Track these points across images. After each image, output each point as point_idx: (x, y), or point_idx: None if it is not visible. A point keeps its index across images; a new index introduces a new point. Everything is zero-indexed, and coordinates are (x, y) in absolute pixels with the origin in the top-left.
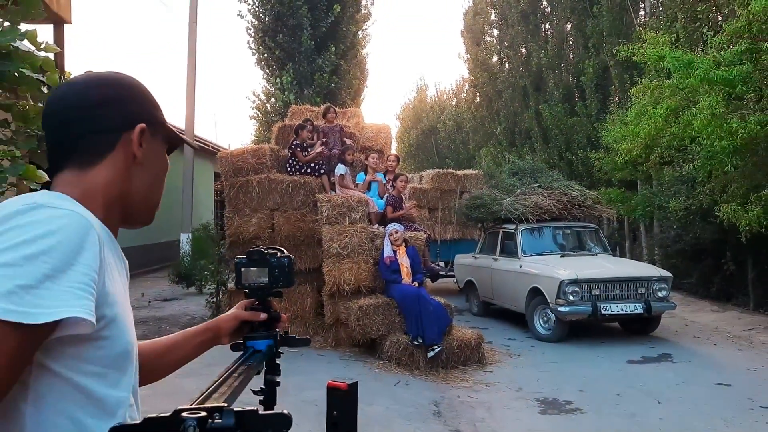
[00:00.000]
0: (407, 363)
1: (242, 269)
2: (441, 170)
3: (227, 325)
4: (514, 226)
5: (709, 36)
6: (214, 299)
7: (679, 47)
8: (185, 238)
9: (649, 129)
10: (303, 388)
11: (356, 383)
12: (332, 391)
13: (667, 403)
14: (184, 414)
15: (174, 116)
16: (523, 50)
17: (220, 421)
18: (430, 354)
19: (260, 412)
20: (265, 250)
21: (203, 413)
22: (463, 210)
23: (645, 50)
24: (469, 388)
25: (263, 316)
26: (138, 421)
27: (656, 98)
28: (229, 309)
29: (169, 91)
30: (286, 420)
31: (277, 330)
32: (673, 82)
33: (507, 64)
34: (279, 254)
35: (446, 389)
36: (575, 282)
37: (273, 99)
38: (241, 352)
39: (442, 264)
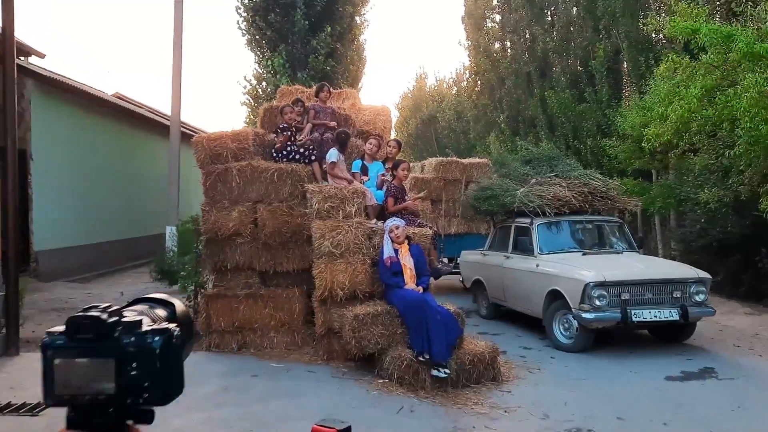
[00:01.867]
0: (411, 382)
1: (56, 360)
2: (445, 159)
3: None
4: (528, 220)
5: (749, 8)
6: (191, 302)
7: (713, 21)
8: (170, 232)
9: (682, 111)
10: (287, 418)
11: (349, 428)
12: None
13: None
14: None
15: (162, 101)
16: (527, 35)
17: None
18: (434, 373)
19: None
20: (109, 312)
21: None
22: (471, 202)
23: (676, 23)
24: (485, 414)
25: None
26: None
27: (687, 77)
28: (205, 316)
29: (156, 75)
30: None
31: None
32: (708, 58)
33: (510, 50)
34: (145, 323)
35: (458, 416)
36: (602, 285)
37: (264, 83)
38: None
39: (445, 260)
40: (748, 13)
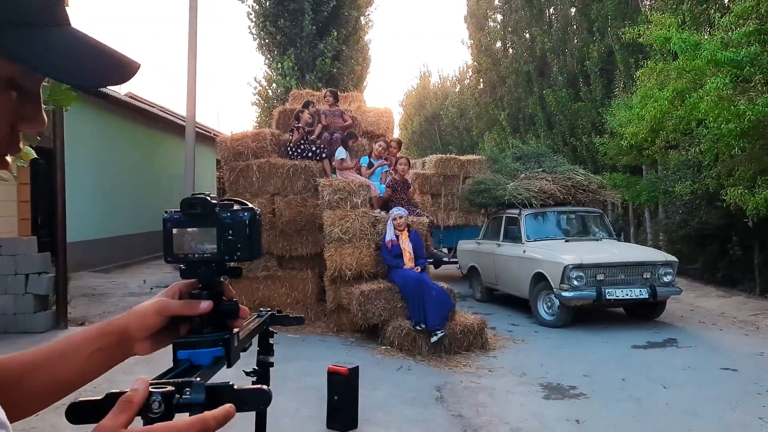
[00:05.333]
0: (410, 348)
1: (174, 230)
2: (444, 156)
3: (143, 323)
4: (517, 211)
5: (717, 17)
6: None
7: (686, 29)
8: None
9: (655, 112)
10: (304, 374)
11: (357, 368)
12: (333, 376)
13: (672, 388)
14: (150, 388)
15: (172, 100)
16: (527, 35)
17: (189, 396)
18: (433, 339)
19: (235, 387)
20: (210, 197)
21: (171, 387)
22: (467, 195)
23: (651, 32)
24: (472, 373)
25: (205, 305)
26: (99, 397)
27: (662, 81)
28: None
29: (170, 78)
30: (265, 396)
31: (233, 331)
32: (679, 64)
33: (511, 50)
34: (236, 206)
35: (449, 374)
36: (580, 267)
37: (274, 84)
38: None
39: (445, 250)
40: (716, 22)
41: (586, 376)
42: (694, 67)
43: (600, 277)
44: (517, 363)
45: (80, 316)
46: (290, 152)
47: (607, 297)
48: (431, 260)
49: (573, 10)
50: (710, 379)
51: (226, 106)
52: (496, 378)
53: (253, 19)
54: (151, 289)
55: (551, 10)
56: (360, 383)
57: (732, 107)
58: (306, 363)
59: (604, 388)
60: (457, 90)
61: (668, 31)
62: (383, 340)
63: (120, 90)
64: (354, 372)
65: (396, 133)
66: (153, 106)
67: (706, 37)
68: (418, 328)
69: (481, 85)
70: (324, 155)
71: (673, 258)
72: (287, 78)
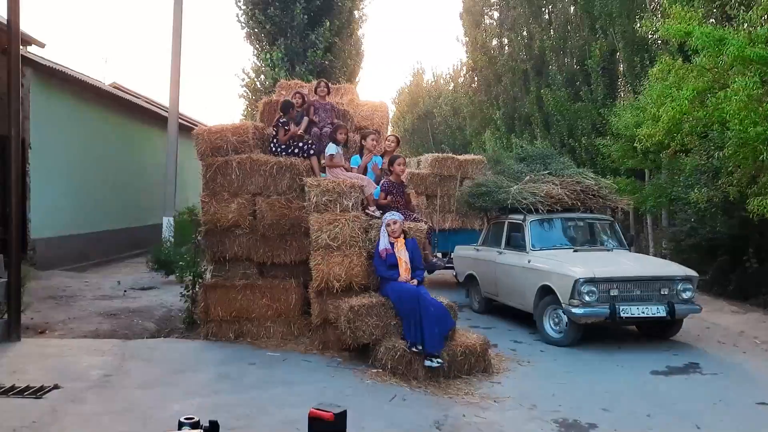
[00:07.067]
0: (404, 372)
1: None
2: (440, 155)
3: None
4: (521, 217)
5: (741, 12)
6: (189, 292)
7: (703, 24)
8: (167, 222)
9: (674, 112)
10: (282, 404)
11: (344, 413)
12: (315, 423)
13: (707, 429)
14: None
15: (160, 91)
16: (525, 33)
17: None
18: (427, 363)
19: None
20: None
21: None
22: (466, 198)
23: (669, 26)
24: (476, 404)
25: None
26: None
27: (680, 79)
28: (203, 305)
29: (154, 65)
30: None
31: None
32: (700, 61)
33: (507, 48)
34: None
35: (449, 405)
36: (591, 281)
37: (263, 76)
38: None
39: (439, 255)
40: (741, 17)
41: (606, 410)
42: (717, 64)
43: (613, 292)
44: (525, 391)
45: (42, 323)
46: (274, 148)
47: (622, 315)
48: (429, 269)
49: (572, 7)
50: (746, 417)
51: (213, 97)
52: (503, 411)
53: (242, 7)
54: (125, 291)
55: (550, 7)
56: (348, 419)
57: (761, 109)
58: (286, 390)
59: (628, 427)
60: (450, 88)
61: (689, 24)
62: (375, 362)
63: (104, 80)
64: (341, 418)
65: (389, 128)
66: (138, 97)
67: (731, 31)
68: (414, 349)
69: (476, 83)
70: (312, 152)
71: (692, 272)
72: (276, 69)
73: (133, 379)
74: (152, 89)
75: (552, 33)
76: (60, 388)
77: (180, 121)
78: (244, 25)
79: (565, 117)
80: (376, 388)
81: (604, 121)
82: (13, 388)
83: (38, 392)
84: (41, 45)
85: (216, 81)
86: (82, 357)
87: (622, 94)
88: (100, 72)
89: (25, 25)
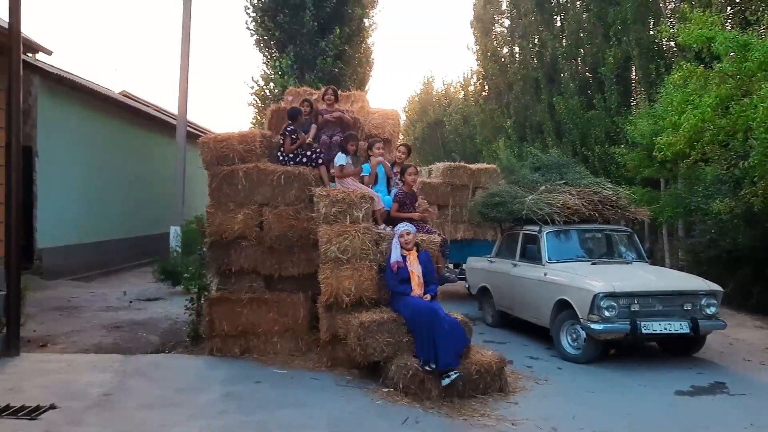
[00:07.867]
0: (417, 392)
1: None
2: (452, 164)
3: None
4: (537, 228)
5: (763, 14)
6: (194, 304)
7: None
8: (174, 232)
9: (696, 120)
10: (291, 427)
11: None
12: None
13: None
14: None
15: (170, 100)
16: (537, 40)
17: None
18: (445, 381)
19: None
20: None
21: None
22: (479, 208)
23: (690, 31)
24: (492, 426)
25: None
26: None
27: (702, 86)
28: (208, 319)
29: (165, 74)
30: None
31: None
32: (723, 67)
33: (518, 55)
34: None
35: (465, 428)
36: (612, 296)
37: (272, 84)
38: None
39: (451, 266)
40: (765, 21)
41: None
42: (741, 70)
43: (634, 307)
44: (544, 413)
45: (44, 336)
46: (281, 157)
47: (643, 331)
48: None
49: (585, 15)
50: None
51: (223, 105)
52: None
53: (251, 14)
54: (131, 302)
55: (562, 14)
56: None
57: None
58: (293, 413)
59: None
60: (461, 96)
61: (710, 29)
62: (386, 381)
63: (114, 88)
64: None
65: (399, 139)
66: (148, 106)
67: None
68: (427, 368)
69: (487, 91)
70: (321, 161)
71: (717, 287)
72: (286, 77)
73: (135, 398)
74: (163, 98)
75: (564, 40)
76: (57, 408)
77: (189, 129)
78: (253, 32)
79: (578, 125)
80: (387, 410)
81: (618, 130)
82: (7, 407)
83: (33, 413)
84: (48, 52)
85: (226, 89)
86: (82, 373)
87: (636, 102)
88: (111, 81)
89: (34, 33)
